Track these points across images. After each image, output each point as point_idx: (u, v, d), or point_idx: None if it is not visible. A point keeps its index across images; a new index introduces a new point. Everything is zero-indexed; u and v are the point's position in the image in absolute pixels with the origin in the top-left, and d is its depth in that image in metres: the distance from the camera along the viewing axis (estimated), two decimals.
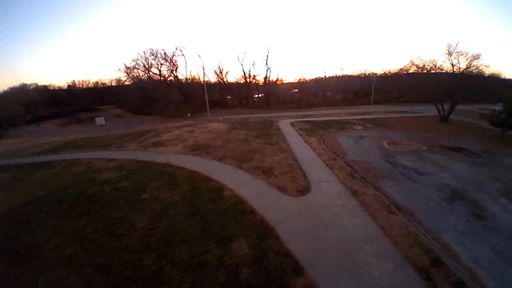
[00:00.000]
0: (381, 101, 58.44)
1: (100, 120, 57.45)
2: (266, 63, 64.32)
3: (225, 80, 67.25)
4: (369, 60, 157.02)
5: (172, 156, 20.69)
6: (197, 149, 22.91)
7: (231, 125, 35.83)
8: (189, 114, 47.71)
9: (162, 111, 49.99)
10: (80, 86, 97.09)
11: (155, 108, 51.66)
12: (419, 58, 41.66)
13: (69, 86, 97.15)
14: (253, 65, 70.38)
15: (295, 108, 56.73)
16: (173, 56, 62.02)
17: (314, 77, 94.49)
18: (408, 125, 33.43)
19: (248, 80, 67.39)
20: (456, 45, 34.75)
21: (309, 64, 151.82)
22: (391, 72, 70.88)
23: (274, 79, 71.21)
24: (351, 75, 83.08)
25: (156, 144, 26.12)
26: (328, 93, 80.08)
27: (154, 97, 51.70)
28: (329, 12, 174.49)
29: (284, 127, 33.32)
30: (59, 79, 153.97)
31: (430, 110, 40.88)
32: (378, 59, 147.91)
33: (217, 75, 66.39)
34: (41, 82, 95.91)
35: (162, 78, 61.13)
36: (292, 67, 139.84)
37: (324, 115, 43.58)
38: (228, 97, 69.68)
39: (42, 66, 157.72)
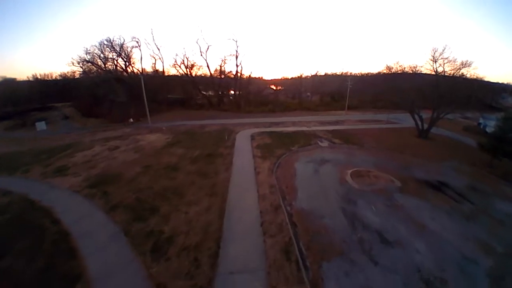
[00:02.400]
0: (357, 106, 54.06)
1: (40, 125, 47.53)
2: (236, 58, 56.29)
3: (191, 73, 58.40)
4: (348, 61, 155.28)
5: (60, 195, 15.57)
6: (97, 183, 16.48)
7: (174, 137, 28.97)
8: (131, 120, 39.37)
9: (107, 113, 41.42)
10: (44, 79, 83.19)
11: (101, 109, 42.90)
12: (397, 63, 36.76)
13: (29, 80, 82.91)
14: (224, 60, 60.33)
15: (268, 112, 50.59)
16: (126, 48, 52.78)
17: (293, 76, 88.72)
18: (381, 141, 28.55)
19: (220, 75, 59.46)
20: (443, 51, 29.86)
21: (289, 63, 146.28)
22: (369, 74, 66.84)
23: (247, 76, 63.01)
24: (329, 75, 78.79)
25: (60, 170, 19.46)
26: (308, 94, 74.92)
27: (99, 96, 42.77)
28: (310, 10, 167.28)
29: (241, 141, 27.22)
30: (26, 72, 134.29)
31: (407, 120, 36.60)
32: (357, 60, 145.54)
33: (180, 68, 57.44)
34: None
35: (116, 73, 51.71)
36: (271, 65, 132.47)
37: (294, 124, 38.13)
38: (202, 94, 61.52)
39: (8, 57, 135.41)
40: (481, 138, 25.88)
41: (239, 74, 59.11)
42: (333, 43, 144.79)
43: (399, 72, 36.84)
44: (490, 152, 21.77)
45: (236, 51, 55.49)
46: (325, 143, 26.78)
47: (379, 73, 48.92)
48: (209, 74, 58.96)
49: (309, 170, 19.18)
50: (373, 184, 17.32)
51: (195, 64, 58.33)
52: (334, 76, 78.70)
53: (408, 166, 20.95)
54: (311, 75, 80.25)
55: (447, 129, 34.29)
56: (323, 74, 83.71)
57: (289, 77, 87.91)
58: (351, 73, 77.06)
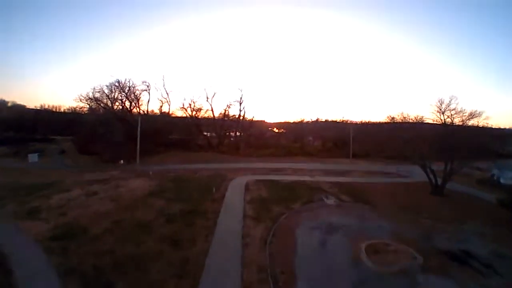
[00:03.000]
0: (361, 154, 51.96)
1: (32, 157, 46.75)
2: (240, 104, 58.83)
3: (196, 116, 60.05)
4: (348, 109, 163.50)
5: (23, 242, 14.68)
6: (61, 236, 14.82)
7: (158, 184, 26.38)
8: (121, 161, 37.68)
9: (101, 152, 40.18)
10: (52, 110, 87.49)
11: (96, 147, 41.94)
12: (402, 113, 36.11)
13: (37, 109, 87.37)
14: (228, 106, 61.99)
15: (269, 156, 48.82)
16: (135, 90, 55.95)
17: (295, 120, 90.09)
18: (394, 199, 25.36)
19: (223, 118, 60.80)
20: (450, 102, 29.64)
21: (291, 107, 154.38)
22: (370, 122, 67.53)
23: (250, 118, 64.02)
24: (329, 121, 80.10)
25: (32, 212, 18.23)
26: (310, 138, 74.70)
27: (98, 134, 42.47)
28: (313, 57, 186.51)
29: (233, 193, 24.35)
30: (35, 101, 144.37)
31: (417, 172, 33.16)
32: (358, 109, 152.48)
33: (187, 111, 59.56)
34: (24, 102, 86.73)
35: (122, 113, 53.25)
36: (273, 109, 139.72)
37: (296, 171, 35.71)
38: (203, 135, 61.84)
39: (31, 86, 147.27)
40: (500, 192, 24.22)
41: (241, 117, 60.70)
42: (335, 90, 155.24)
43: (403, 122, 36.23)
44: (510, 208, 18.97)
45: (241, 98, 58.59)
46: (331, 200, 23.56)
47: (381, 122, 48.85)
48: (212, 117, 60.56)
49: (314, 242, 15.66)
50: (392, 263, 13.84)
51: (202, 108, 60.99)
52: (335, 123, 79.89)
53: (428, 233, 17.72)
54: (312, 121, 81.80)
55: (460, 183, 31.03)
56: (323, 120, 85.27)
57: (291, 121, 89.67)
58: (352, 121, 78.17)
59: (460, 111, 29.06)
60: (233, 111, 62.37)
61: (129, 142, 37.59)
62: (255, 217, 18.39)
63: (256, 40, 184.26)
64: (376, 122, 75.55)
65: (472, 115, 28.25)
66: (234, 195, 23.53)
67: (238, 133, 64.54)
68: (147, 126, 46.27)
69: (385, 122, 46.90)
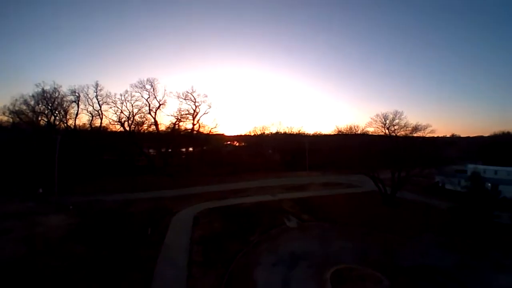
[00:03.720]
0: (316, 166, 54.44)
1: None
2: (193, 117, 53.96)
3: (138, 130, 51.38)
4: (305, 121, 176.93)
5: None
6: None
7: (81, 222, 20.67)
8: (40, 190, 28.62)
9: (18, 176, 29.56)
10: None
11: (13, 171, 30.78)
12: (349, 126, 39.67)
13: None
14: (179, 118, 53.99)
15: (227, 175, 45.17)
16: (63, 101, 45.58)
17: (256, 133, 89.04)
18: (351, 213, 26.16)
19: (172, 132, 54.08)
20: (394, 118, 33.38)
21: (251, 119, 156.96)
22: (322, 134, 72.60)
23: (207, 131, 57.49)
24: (289, 133, 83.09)
25: None
26: (270, 151, 75.27)
27: (15, 155, 31.37)
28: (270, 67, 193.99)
29: (176, 231, 20.20)
30: None
31: (367, 181, 35.82)
32: (313, 120, 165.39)
33: (124, 125, 49.98)
34: None
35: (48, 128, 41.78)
36: (233, 121, 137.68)
37: (257, 190, 33.70)
38: (145, 154, 53.18)
39: None
40: (446, 198, 26.59)
41: (195, 131, 55.60)
42: (291, 102, 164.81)
43: (350, 133, 39.28)
44: (461, 216, 20.76)
45: (194, 109, 53.95)
46: (293, 222, 22.36)
47: (331, 134, 53.11)
48: (157, 131, 53.53)
49: (277, 281, 13.45)
50: None
51: (146, 121, 53.22)
52: (293, 135, 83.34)
53: (390, 250, 17.94)
54: (272, 133, 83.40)
55: (408, 190, 33.66)
56: (282, 132, 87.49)
57: (252, 133, 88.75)
58: (307, 133, 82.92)
59: (404, 125, 33.25)
60: (187, 124, 56.77)
61: (53, 165, 28.32)
62: (204, 262, 15.08)
63: (212, 46, 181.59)
64: (328, 134, 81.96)
65: (415, 129, 32.34)
66: (178, 234, 19.41)
67: (190, 149, 58.39)
68: (73, 145, 37.10)
69: (334, 134, 50.88)
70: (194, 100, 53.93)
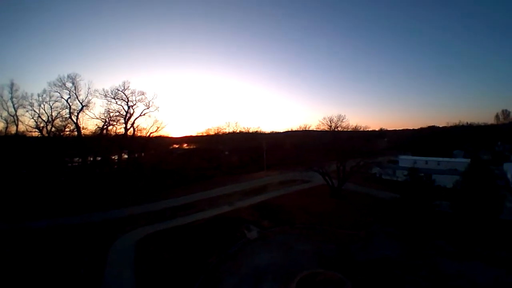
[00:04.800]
0: (273, 164, 56.42)
1: None
2: (126, 119, 46.61)
3: (58, 134, 41.66)
4: (261, 119, 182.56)
5: None
6: None
7: None
8: None
9: None
10: None
11: None
12: (305, 125, 43.62)
13: None
14: (109, 122, 45.65)
15: (174, 185, 39.61)
16: None
17: (208, 132, 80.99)
18: (307, 211, 27.85)
19: (101, 136, 45.13)
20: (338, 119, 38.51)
21: (204, 118, 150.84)
22: (277, 132, 75.39)
23: (147, 134, 49.89)
24: (246, 132, 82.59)
25: None
26: (226, 153, 73.10)
27: None
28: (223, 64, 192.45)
29: (115, 268, 16.86)
30: None
31: (318, 176, 38.28)
32: (268, 119, 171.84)
33: (43, 131, 40.80)
34: None
35: None
36: (182, 120, 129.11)
37: (212, 202, 31.11)
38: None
39: None
40: (385, 188, 30.69)
41: (131, 134, 47.78)
42: (249, 104, 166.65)
43: (303, 131, 42.81)
44: (404, 206, 23.76)
45: (127, 111, 46.72)
46: (254, 232, 21.89)
47: (288, 131, 56.11)
48: (80, 137, 44.43)
49: None
50: None
51: (68, 125, 43.60)
52: (250, 134, 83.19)
53: (345, 246, 19.62)
54: (228, 132, 78.30)
55: (351, 182, 38.30)
56: (238, 131, 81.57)
57: (204, 133, 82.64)
58: (264, 132, 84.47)
59: (345, 126, 38.71)
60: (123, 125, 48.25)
61: None
62: None
63: (154, 41, 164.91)
64: (284, 131, 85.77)
65: (356, 127, 38.52)
66: (119, 271, 16.20)
67: (125, 156, 49.54)
68: None
69: (290, 131, 53.89)
70: (126, 99, 46.66)
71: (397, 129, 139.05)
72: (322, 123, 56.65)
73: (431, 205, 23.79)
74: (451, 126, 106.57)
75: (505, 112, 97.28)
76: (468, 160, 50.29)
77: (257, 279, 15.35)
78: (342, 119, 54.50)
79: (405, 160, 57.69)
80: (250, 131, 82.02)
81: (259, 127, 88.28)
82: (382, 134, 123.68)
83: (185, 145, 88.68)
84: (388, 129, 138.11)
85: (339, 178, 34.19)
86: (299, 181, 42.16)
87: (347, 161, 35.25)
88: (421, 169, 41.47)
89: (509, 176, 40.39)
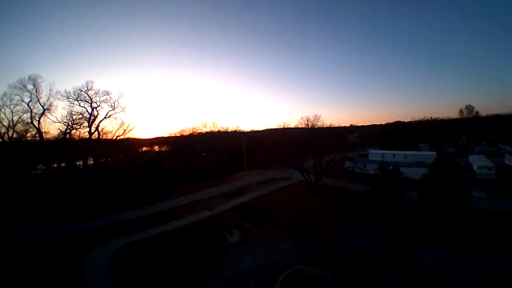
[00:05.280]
0: (255, 162, 56.60)
1: None
2: (90, 122, 43.54)
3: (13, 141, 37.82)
4: (240, 118, 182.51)
5: None
6: None
7: None
8: None
9: None
10: None
11: None
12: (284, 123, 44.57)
13: None
14: (72, 126, 43.09)
15: (147, 192, 37.25)
16: None
17: (184, 133, 77.44)
18: (287, 208, 28.67)
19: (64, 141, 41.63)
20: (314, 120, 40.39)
21: (178, 117, 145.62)
22: (260, 130, 75.93)
23: (114, 137, 46.89)
24: (224, 131, 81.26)
25: None
26: (203, 154, 71.12)
27: None
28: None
29: (91, 285, 15.55)
30: None
31: (296, 173, 39.46)
32: (248, 117, 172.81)
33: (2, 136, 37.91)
34: None
35: None
36: (153, 121, 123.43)
37: (190, 208, 30.04)
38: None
39: None
40: (358, 181, 32.88)
41: (95, 139, 44.86)
42: (226, 101, 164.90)
43: (283, 129, 43.88)
44: (376, 199, 25.76)
45: (91, 113, 43.52)
46: (235, 235, 21.76)
47: (269, 129, 57.02)
48: (42, 142, 40.54)
49: None
50: None
51: (30, 130, 40.78)
52: (229, 134, 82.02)
53: (324, 241, 20.53)
54: (206, 132, 75.32)
55: (326, 177, 39.43)
56: (216, 130, 78.47)
57: (178, 134, 78.55)
58: (244, 130, 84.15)
59: (321, 125, 40.67)
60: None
61: None
62: None
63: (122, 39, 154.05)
64: (264, 130, 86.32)
65: (330, 125, 40.85)
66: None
67: (92, 162, 46.54)
68: None
69: (271, 129, 54.73)
70: (90, 101, 43.93)
71: (366, 124, 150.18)
72: (300, 122, 60.35)
73: (401, 197, 25.41)
74: (416, 121, 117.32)
75: (469, 108, 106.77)
76: (434, 153, 56.35)
77: (240, 283, 15.34)
78: (318, 119, 59.05)
79: (374, 154, 62.24)
80: (229, 130, 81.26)
81: (238, 126, 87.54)
82: (352, 129, 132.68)
83: (156, 147, 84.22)
84: (358, 124, 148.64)
85: (316, 173, 35.79)
86: (279, 179, 43.02)
87: (323, 157, 37.17)
88: (389, 162, 44.92)
89: (474, 167, 44.00)
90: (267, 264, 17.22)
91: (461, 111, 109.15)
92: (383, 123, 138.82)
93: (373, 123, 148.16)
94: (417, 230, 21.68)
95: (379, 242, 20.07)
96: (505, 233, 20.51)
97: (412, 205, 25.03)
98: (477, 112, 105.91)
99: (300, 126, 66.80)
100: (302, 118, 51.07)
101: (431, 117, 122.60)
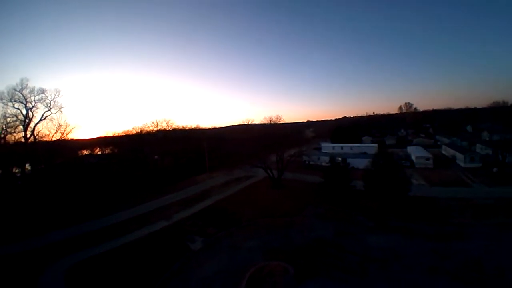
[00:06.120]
0: (219, 163, 55.63)
1: None
2: (26, 122, 37.59)
3: None
4: (200, 118, 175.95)
5: None
6: None
7: None
8: None
9: None
10: None
11: None
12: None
13: None
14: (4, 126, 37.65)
15: (91, 208, 32.80)
16: None
17: (131, 131, 69.04)
18: (252, 206, 29.98)
19: None
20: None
21: (126, 115, 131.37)
22: (222, 127, 74.51)
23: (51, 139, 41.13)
24: (181, 129, 76.26)
25: None
26: (156, 157, 65.70)
27: None
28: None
29: None
30: None
31: (260, 170, 40.94)
32: (208, 114, 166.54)
33: None
34: None
35: None
36: (98, 122, 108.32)
37: (142, 222, 27.63)
38: None
39: None
40: (314, 173, 36.19)
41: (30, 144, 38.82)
42: (184, 98, 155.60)
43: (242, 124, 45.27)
44: (328, 188, 29.56)
45: (26, 115, 37.19)
46: (198, 242, 21.75)
47: (229, 126, 56.92)
48: None
49: None
50: None
51: None
52: (187, 132, 77.48)
53: (286, 234, 22.33)
54: (157, 131, 68.55)
55: (288, 170, 42.39)
56: (171, 129, 71.68)
57: (122, 133, 67.15)
58: (204, 128, 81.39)
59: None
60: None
61: None
62: None
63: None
64: (225, 127, 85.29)
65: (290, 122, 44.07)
66: None
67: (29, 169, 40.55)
68: None
69: (231, 126, 54.91)
70: (24, 101, 38.76)
71: (320, 120, 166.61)
72: (263, 122, 62.57)
73: (349, 186, 29.64)
74: (360, 116, 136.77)
75: (407, 104, 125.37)
76: (376, 145, 66.32)
77: None
78: (280, 119, 62.21)
79: (326, 147, 70.10)
80: (187, 128, 77.46)
81: (197, 125, 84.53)
82: (309, 125, 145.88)
83: (97, 150, 72.70)
84: (314, 120, 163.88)
85: (278, 169, 38.35)
86: (244, 178, 44.10)
87: (284, 152, 40.01)
88: (339, 154, 51.45)
89: (413, 157, 50.61)
90: (233, 266, 17.87)
91: (400, 108, 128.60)
92: (333, 118, 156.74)
93: (326, 119, 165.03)
94: (364, 216, 25.00)
95: (333, 229, 22.75)
96: (443, 217, 24.20)
97: (358, 193, 29.14)
98: (415, 108, 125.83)
99: (264, 122, 69.07)
100: (265, 118, 53.95)
101: (373, 113, 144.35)
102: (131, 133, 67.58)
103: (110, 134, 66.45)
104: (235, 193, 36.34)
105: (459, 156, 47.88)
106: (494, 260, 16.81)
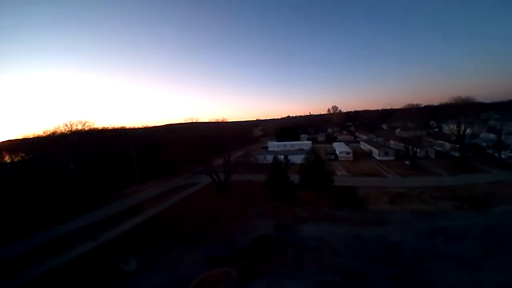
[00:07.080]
0: (150, 174, 50.87)
1: None
2: None
3: None
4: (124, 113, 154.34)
5: None
6: None
7: None
8: None
9: None
10: None
11: None
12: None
13: None
14: None
15: None
16: None
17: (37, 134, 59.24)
18: (194, 217, 29.17)
19: None
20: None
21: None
22: (158, 126, 68.50)
23: None
24: (101, 130, 65.62)
25: None
26: (72, 166, 54.61)
27: None
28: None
29: None
30: None
31: (204, 176, 40.16)
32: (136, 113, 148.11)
33: None
34: None
35: None
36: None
37: (63, 243, 23.89)
38: None
39: None
40: (262, 172, 37.79)
41: None
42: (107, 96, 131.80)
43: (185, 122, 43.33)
44: (270, 184, 32.18)
45: None
46: (132, 263, 19.80)
47: (167, 125, 52.41)
48: None
49: None
50: None
51: None
52: (109, 132, 67.51)
53: (229, 238, 23.07)
54: (70, 131, 55.91)
55: (235, 172, 41.85)
56: (87, 129, 57.98)
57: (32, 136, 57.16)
58: (134, 127, 73.05)
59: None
60: None
61: None
62: None
63: None
64: (161, 126, 78.87)
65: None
66: None
67: None
68: None
69: (170, 124, 51.02)
70: None
71: (267, 118, 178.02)
72: (211, 121, 61.80)
73: (287, 181, 33.58)
74: (299, 116, 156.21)
75: (334, 107, 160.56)
76: (310, 142, 76.50)
77: None
78: (225, 120, 63.43)
79: (272, 145, 76.08)
80: (110, 128, 67.65)
81: (123, 126, 74.71)
82: (258, 123, 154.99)
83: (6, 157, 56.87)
84: (262, 119, 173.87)
85: (225, 172, 38.23)
86: (185, 186, 41.09)
87: (232, 154, 40.35)
88: (282, 152, 56.22)
89: (337, 151, 61.63)
90: (174, 282, 17.33)
91: (328, 110, 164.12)
92: (279, 117, 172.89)
93: (274, 117, 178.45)
94: (300, 208, 28.41)
95: (274, 225, 24.86)
96: (363, 204, 28.75)
97: (296, 186, 32.93)
98: (340, 110, 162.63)
99: (210, 121, 68.37)
100: (210, 120, 53.07)
101: (309, 113, 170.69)
102: (41, 137, 55.03)
103: (20, 137, 53.40)
104: (174, 204, 34.48)
105: (375, 151, 59.58)
106: (410, 244, 19.25)
